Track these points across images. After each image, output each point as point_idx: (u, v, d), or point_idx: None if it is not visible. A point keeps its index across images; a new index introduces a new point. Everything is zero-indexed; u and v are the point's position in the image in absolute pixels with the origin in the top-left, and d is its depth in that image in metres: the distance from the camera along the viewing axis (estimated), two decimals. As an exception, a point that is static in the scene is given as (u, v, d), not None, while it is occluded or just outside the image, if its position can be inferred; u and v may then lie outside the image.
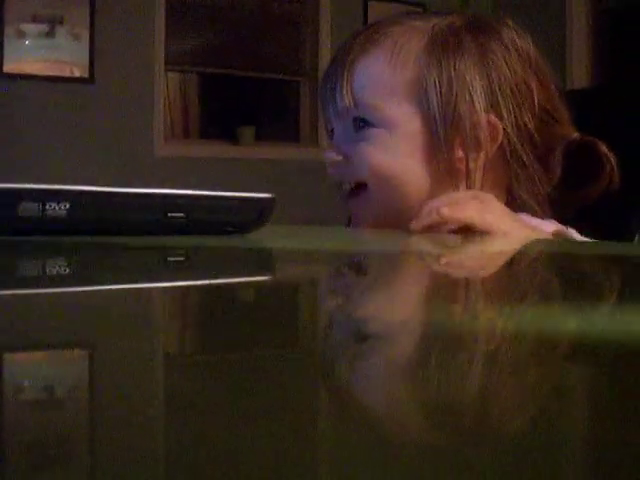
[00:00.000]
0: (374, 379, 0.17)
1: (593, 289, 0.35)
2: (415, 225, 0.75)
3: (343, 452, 0.12)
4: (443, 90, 0.80)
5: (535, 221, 0.81)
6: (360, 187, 0.85)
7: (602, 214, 0.83)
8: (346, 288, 0.35)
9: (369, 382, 0.16)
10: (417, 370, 0.18)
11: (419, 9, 4.48)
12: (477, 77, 0.80)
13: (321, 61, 4.82)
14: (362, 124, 0.84)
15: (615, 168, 0.82)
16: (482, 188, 0.81)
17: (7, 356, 0.19)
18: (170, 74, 4.81)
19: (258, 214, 0.61)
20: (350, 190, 0.86)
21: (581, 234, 0.81)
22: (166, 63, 4.58)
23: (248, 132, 4.79)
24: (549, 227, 0.79)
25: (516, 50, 0.83)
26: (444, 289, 0.35)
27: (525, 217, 0.81)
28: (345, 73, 0.84)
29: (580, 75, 4.31)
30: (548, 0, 4.52)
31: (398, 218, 0.80)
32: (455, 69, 0.80)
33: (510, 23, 0.85)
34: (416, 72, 0.82)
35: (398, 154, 0.82)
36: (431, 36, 0.82)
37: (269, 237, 0.63)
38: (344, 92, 0.84)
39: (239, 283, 0.36)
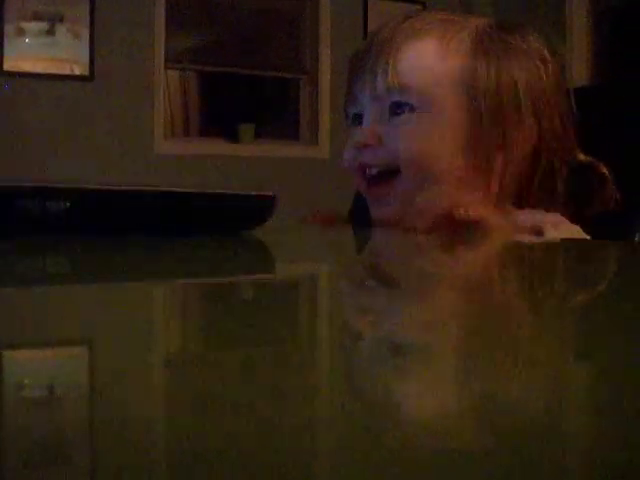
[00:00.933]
0: (372, 377, 0.17)
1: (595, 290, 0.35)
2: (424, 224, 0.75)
3: (342, 450, 0.12)
4: (492, 85, 0.81)
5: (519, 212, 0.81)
6: (389, 173, 0.84)
7: (602, 214, 0.83)
8: (346, 286, 0.35)
9: (367, 379, 0.16)
10: (416, 369, 0.18)
11: (419, 8, 4.48)
12: (522, 77, 0.81)
13: (321, 59, 4.81)
14: (401, 109, 0.84)
15: (614, 189, 0.82)
16: (504, 188, 0.82)
17: (6, 353, 0.19)
18: (170, 72, 4.80)
19: (259, 212, 0.61)
20: (376, 175, 0.85)
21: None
22: (166, 61, 4.58)
23: (248, 130, 4.78)
24: (526, 220, 0.79)
25: (548, 58, 0.84)
26: (442, 281, 0.35)
27: (524, 211, 0.81)
28: (391, 57, 0.83)
29: (580, 74, 4.31)
30: (548, 0, 4.52)
31: (422, 206, 0.80)
32: (503, 67, 0.82)
33: (536, 35, 0.86)
34: (466, 63, 0.82)
35: (438, 140, 0.82)
36: (477, 33, 0.84)
37: (270, 235, 0.63)
38: (389, 75, 0.83)
39: (240, 281, 0.36)
